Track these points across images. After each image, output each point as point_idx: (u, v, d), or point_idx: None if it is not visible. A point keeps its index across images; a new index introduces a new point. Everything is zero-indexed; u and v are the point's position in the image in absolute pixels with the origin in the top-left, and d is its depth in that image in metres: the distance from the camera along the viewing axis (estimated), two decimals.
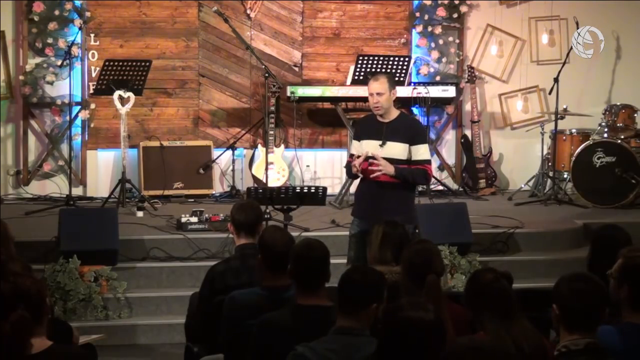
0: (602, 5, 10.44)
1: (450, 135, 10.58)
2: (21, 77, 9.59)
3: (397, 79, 9.36)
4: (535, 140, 10.26)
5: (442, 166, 10.47)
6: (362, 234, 6.08)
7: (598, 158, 9.52)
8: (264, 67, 9.11)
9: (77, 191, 9.66)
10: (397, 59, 9.66)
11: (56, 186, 9.77)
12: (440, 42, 10.29)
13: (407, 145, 6.34)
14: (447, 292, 5.40)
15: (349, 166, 6.46)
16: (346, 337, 3.73)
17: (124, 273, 7.36)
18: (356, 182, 6.74)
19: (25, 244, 7.14)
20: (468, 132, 10.39)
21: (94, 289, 7.07)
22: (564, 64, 9.86)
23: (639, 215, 9.08)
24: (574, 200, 9.65)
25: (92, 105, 9.84)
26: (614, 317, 3.92)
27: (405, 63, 9.65)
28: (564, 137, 9.96)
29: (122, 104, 9.08)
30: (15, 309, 3.55)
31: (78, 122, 9.71)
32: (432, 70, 10.27)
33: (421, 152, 6.39)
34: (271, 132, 9.59)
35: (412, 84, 9.85)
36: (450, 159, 10.54)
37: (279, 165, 9.75)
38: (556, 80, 9.63)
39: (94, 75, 9.72)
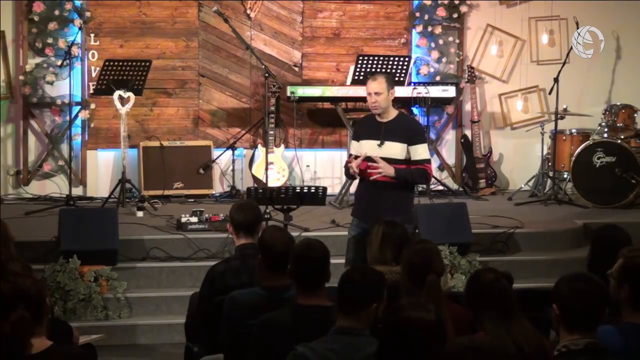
0: (602, 5, 10.44)
1: (450, 135, 10.58)
2: (21, 77, 9.59)
3: (397, 79, 9.37)
4: (535, 140, 10.26)
5: (442, 166, 10.47)
6: (362, 234, 6.09)
7: (598, 158, 9.52)
8: (264, 67, 9.11)
9: (77, 191, 9.66)
10: (397, 59, 9.67)
11: (56, 186, 9.77)
12: (440, 42, 10.29)
13: (405, 145, 6.34)
14: (447, 292, 5.41)
15: (347, 167, 6.47)
16: (346, 337, 3.73)
17: (124, 273, 7.36)
18: (356, 182, 6.74)
19: (25, 244, 7.15)
20: (468, 132, 10.39)
21: (94, 289, 7.07)
22: (564, 64, 9.86)
23: (639, 215, 9.08)
24: (574, 200, 9.65)
25: (92, 105, 9.84)
26: (614, 317, 3.92)
27: (405, 63, 9.65)
28: (564, 137, 9.96)
29: (122, 104, 9.09)
30: (15, 309, 3.55)
31: (78, 122, 9.71)
32: (432, 70, 10.27)
33: (420, 151, 6.39)
34: (271, 132, 9.59)
35: (412, 84, 9.85)
36: (450, 159, 10.54)
37: (279, 165, 9.75)
38: (556, 80, 9.63)
39: (94, 75, 9.72)
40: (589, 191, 9.53)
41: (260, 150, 9.76)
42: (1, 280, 3.74)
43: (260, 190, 7.41)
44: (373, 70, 9.37)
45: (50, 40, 9.59)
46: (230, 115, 10.19)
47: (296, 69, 10.26)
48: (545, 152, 10.08)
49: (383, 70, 9.43)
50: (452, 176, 10.50)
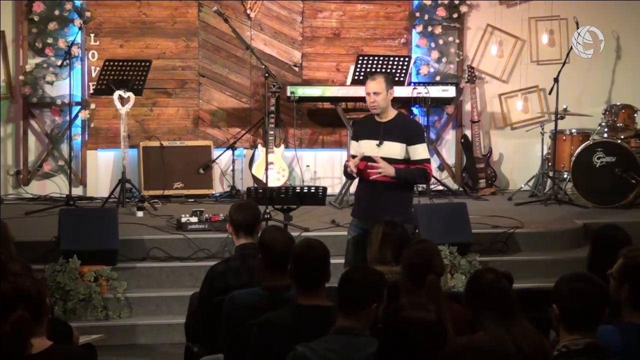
0: (602, 5, 10.44)
1: (450, 135, 10.57)
2: (21, 77, 9.59)
3: (397, 79, 9.37)
4: (535, 140, 10.26)
5: (442, 166, 10.47)
6: (361, 234, 6.09)
7: (598, 158, 9.52)
8: (264, 67, 9.11)
9: (77, 191, 9.66)
10: (397, 59, 9.67)
11: (56, 186, 9.77)
12: (440, 42, 10.29)
13: (404, 145, 6.35)
14: (447, 292, 5.41)
15: (346, 167, 6.47)
16: (346, 337, 3.73)
17: (124, 273, 7.36)
18: (356, 182, 6.74)
19: (25, 244, 7.15)
20: (468, 132, 10.39)
21: (94, 289, 7.07)
22: (564, 64, 9.86)
23: (639, 215, 9.08)
24: (574, 200, 9.65)
25: (92, 105, 9.84)
26: (614, 317, 3.92)
27: (405, 63, 9.65)
28: (564, 137, 9.96)
29: (122, 104, 9.08)
30: (15, 309, 3.55)
31: (78, 122, 9.71)
32: (432, 70, 10.27)
33: (419, 151, 6.40)
34: (271, 132, 9.59)
35: (412, 84, 9.85)
36: (450, 159, 10.54)
37: (279, 165, 9.75)
38: (556, 80, 9.63)
39: (94, 75, 9.72)
40: (589, 191, 9.53)
41: (260, 150, 9.76)
42: (1, 280, 3.73)
43: (260, 190, 7.40)
44: (373, 70, 9.36)
45: (50, 40, 9.59)
46: (230, 115, 10.19)
47: (296, 69, 10.26)
48: (545, 152, 10.08)
49: (383, 70, 9.42)
50: (452, 176, 10.50)
